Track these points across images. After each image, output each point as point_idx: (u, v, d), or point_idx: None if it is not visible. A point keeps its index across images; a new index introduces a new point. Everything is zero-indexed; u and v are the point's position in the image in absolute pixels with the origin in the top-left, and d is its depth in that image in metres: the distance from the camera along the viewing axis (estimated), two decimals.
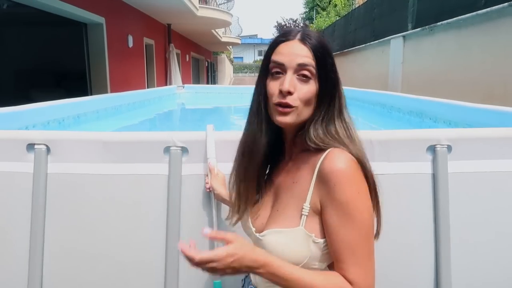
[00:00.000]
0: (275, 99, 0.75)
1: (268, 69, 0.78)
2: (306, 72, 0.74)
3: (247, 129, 0.85)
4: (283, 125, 0.78)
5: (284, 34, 0.77)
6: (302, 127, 0.79)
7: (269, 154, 0.85)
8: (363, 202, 0.71)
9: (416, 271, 1.29)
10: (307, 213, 0.74)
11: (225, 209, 1.26)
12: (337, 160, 0.72)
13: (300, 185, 0.77)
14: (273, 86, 0.76)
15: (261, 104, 0.80)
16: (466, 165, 1.26)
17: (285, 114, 0.75)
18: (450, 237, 1.25)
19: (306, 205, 0.75)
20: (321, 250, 0.75)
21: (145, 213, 1.29)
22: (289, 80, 0.73)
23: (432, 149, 1.25)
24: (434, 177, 1.25)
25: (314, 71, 0.74)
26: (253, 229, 0.84)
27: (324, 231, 0.73)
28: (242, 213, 0.87)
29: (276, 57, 0.76)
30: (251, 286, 0.87)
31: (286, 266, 0.68)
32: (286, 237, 0.75)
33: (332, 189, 0.71)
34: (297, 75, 0.74)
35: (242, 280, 0.95)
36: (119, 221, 1.29)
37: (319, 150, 0.75)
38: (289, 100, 0.74)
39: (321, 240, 0.74)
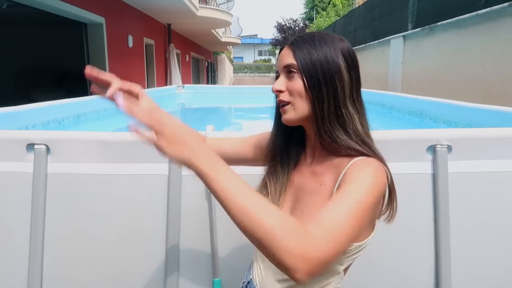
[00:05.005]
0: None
1: None
2: (290, 70, 0.78)
3: (282, 136, 0.90)
4: (287, 123, 0.82)
5: (283, 46, 0.83)
6: (315, 126, 0.80)
7: (289, 155, 0.88)
8: (367, 199, 0.67)
9: (416, 270, 1.29)
10: None
11: None
12: (363, 165, 0.73)
13: (326, 188, 0.78)
14: None
15: (277, 112, 0.86)
16: (466, 165, 1.26)
17: (283, 112, 0.80)
18: (450, 236, 1.25)
19: None
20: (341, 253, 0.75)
21: (145, 213, 1.29)
22: (277, 81, 0.80)
23: (432, 149, 1.25)
24: (434, 177, 1.25)
25: (296, 67, 0.78)
26: None
27: None
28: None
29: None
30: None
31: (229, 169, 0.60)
32: None
33: (347, 180, 0.70)
34: (286, 75, 0.80)
35: (242, 282, 0.94)
36: (119, 221, 1.29)
37: (349, 156, 0.76)
38: (281, 97, 0.80)
39: None
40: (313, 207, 0.78)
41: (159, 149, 0.60)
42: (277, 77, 0.83)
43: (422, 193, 1.27)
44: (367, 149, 0.76)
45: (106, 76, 0.75)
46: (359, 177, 0.70)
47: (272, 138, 0.89)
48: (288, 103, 0.79)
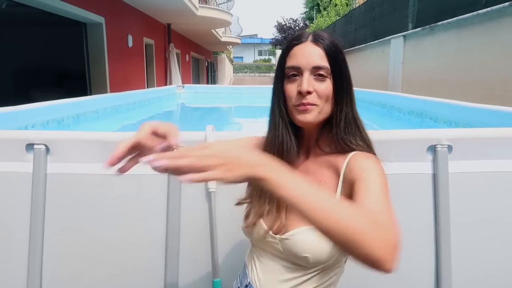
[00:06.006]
0: (295, 101, 0.78)
1: (284, 73, 0.80)
2: (321, 72, 0.76)
3: (273, 133, 0.84)
4: (304, 124, 0.80)
5: (297, 37, 0.80)
6: (323, 127, 0.82)
7: (286, 156, 0.85)
8: (386, 185, 0.70)
9: (417, 270, 1.29)
10: None
11: (225, 208, 1.25)
12: (363, 158, 0.76)
13: (326, 185, 0.80)
14: (292, 89, 0.79)
15: (282, 108, 0.82)
16: (466, 165, 1.26)
17: (305, 112, 0.77)
18: (451, 236, 1.25)
19: None
20: None
21: (145, 213, 1.29)
22: (307, 81, 0.76)
23: (433, 149, 1.25)
24: (435, 177, 1.25)
25: (329, 70, 0.77)
26: (267, 229, 0.82)
27: None
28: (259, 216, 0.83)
29: (291, 61, 0.79)
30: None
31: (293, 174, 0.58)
32: (319, 235, 0.73)
33: (361, 173, 0.72)
34: (314, 75, 0.77)
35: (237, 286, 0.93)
36: (118, 221, 1.29)
37: (343, 152, 0.80)
38: (309, 99, 0.77)
39: None
40: None
41: (223, 181, 0.55)
42: (293, 74, 0.78)
43: (423, 193, 1.26)
44: (372, 150, 0.81)
45: (136, 139, 0.66)
46: (369, 168, 0.73)
47: (275, 140, 0.83)
48: (315, 105, 0.77)
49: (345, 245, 0.54)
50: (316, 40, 0.77)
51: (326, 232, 0.54)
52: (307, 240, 0.76)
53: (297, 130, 0.84)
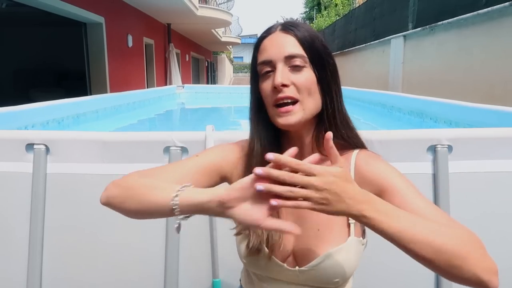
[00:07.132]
0: (271, 98, 0.68)
1: (257, 71, 0.71)
2: (297, 62, 0.67)
3: (254, 139, 0.74)
4: (289, 128, 0.69)
5: (266, 30, 0.72)
6: (316, 126, 0.72)
7: None
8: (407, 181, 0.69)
9: (417, 269, 1.28)
10: (354, 221, 0.70)
11: None
12: (373, 160, 0.70)
13: None
14: (267, 86, 0.69)
15: (261, 110, 0.72)
16: (466, 165, 1.26)
17: (287, 113, 0.67)
18: None
19: None
20: (362, 249, 0.73)
21: None
22: (280, 73, 0.66)
23: (433, 149, 1.25)
24: (435, 177, 1.25)
25: (306, 58, 0.67)
26: (280, 263, 0.72)
27: None
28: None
29: (261, 56, 0.69)
30: None
31: (395, 208, 0.57)
32: (347, 252, 0.69)
33: (390, 186, 0.67)
34: (289, 67, 0.67)
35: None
36: (118, 221, 1.28)
37: (340, 150, 0.67)
38: (287, 93, 0.66)
39: (364, 240, 0.73)
40: (327, 218, 0.66)
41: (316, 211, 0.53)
42: (267, 70, 0.68)
43: (423, 193, 1.26)
44: (362, 142, 0.75)
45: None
46: (390, 171, 0.68)
47: (255, 146, 0.73)
48: (297, 100, 0.67)
49: (446, 270, 0.55)
50: (286, 28, 0.68)
51: (428, 262, 0.55)
52: (336, 265, 0.68)
53: (281, 133, 0.73)
